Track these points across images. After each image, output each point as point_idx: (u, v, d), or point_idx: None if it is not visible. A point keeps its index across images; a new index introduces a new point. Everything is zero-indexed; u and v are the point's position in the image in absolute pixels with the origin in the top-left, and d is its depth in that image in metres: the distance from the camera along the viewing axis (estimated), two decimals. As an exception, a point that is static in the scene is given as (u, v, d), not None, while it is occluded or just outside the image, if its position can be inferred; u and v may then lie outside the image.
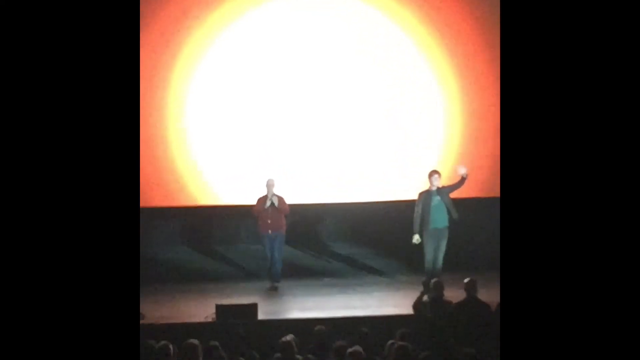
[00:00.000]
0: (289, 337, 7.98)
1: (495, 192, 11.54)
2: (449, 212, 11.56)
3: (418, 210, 11.60)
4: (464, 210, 11.84)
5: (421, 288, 11.03)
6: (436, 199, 11.57)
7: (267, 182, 12.38)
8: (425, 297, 9.58)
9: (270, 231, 12.35)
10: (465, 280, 9.33)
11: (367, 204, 13.45)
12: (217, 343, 8.06)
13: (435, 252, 11.54)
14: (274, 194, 12.36)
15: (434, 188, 11.63)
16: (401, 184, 13.29)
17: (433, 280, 9.65)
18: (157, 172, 13.09)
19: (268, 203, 12.28)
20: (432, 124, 13.50)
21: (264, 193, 12.37)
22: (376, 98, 13.46)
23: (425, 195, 11.64)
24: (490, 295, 9.27)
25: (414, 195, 11.84)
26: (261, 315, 10.27)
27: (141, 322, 10.12)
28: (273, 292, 12.20)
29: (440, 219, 11.55)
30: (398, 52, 13.44)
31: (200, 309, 10.79)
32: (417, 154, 13.41)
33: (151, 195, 13.04)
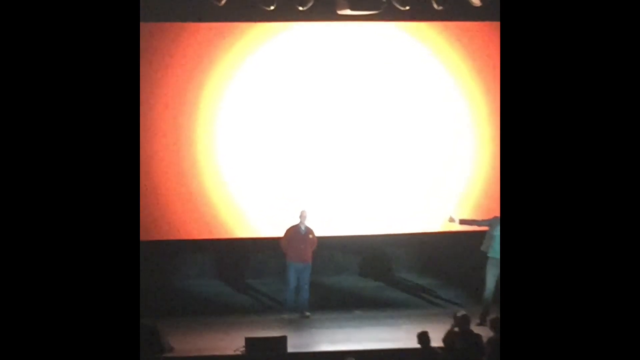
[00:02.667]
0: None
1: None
2: None
3: (484, 223, 11.87)
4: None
5: (451, 321, 10.98)
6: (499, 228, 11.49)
7: (301, 213, 12.45)
8: (455, 329, 9.52)
9: (299, 261, 12.39)
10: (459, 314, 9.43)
11: (432, 234, 13.54)
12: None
13: (496, 283, 11.54)
14: (306, 226, 12.40)
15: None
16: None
17: (460, 314, 9.61)
18: (188, 205, 13.14)
19: (302, 230, 12.34)
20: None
21: (294, 223, 12.45)
22: (425, 126, 13.49)
23: (494, 221, 11.71)
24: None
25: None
26: (290, 348, 10.25)
27: (170, 354, 10.20)
28: (302, 324, 12.19)
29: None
30: (431, 80, 13.47)
31: (229, 342, 10.79)
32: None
33: (182, 228, 13.11)
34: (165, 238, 13.11)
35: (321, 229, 12.87)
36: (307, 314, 12.45)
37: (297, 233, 12.46)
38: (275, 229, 12.93)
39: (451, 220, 12.41)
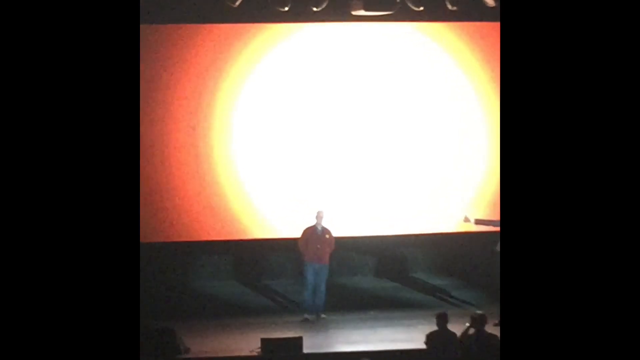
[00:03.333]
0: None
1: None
2: None
3: None
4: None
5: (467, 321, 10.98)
6: None
7: (318, 213, 12.44)
8: (471, 330, 9.51)
9: (316, 262, 12.40)
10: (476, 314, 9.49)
11: (448, 234, 13.55)
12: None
13: None
14: (323, 226, 12.41)
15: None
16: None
17: (476, 314, 9.60)
18: (204, 206, 13.15)
19: (319, 230, 12.35)
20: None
21: (311, 224, 12.46)
22: (437, 127, 13.50)
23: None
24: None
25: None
26: (306, 349, 10.25)
27: (186, 356, 10.22)
28: (318, 325, 12.18)
29: None
30: (445, 80, 13.48)
31: (245, 343, 10.80)
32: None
33: (199, 229, 13.13)
34: (181, 239, 13.14)
35: (337, 229, 12.85)
36: (323, 315, 12.45)
37: (314, 233, 12.46)
38: (291, 230, 12.96)
39: (466, 220, 12.42)
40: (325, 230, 12.49)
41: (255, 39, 13.17)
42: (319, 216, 12.49)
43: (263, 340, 10.26)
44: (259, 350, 10.27)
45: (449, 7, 12.52)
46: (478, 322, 9.46)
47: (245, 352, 10.42)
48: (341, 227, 13.08)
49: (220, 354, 10.47)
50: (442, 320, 9.53)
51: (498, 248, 11.85)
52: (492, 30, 13.38)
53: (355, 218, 13.32)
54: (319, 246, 12.43)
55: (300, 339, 10.27)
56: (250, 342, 10.63)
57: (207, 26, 13.09)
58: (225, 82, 13.14)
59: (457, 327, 9.56)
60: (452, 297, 13.44)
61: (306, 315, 12.43)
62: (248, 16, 12.85)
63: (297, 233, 12.63)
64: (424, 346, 9.58)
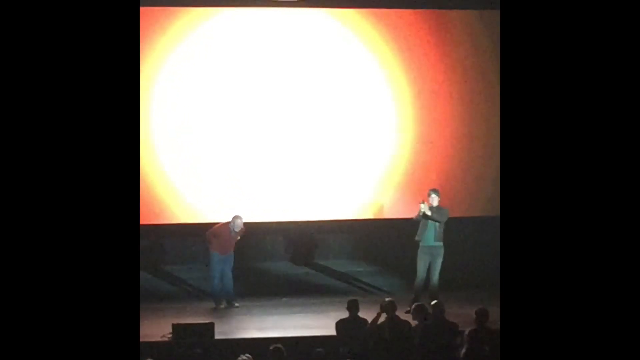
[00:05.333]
0: (246, 357, 7.94)
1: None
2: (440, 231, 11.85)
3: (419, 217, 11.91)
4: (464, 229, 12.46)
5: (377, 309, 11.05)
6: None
7: (235, 220, 12.41)
8: (382, 318, 9.56)
9: (222, 252, 12.40)
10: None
11: (365, 221, 13.58)
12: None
13: (431, 269, 11.82)
14: (236, 231, 12.42)
15: (433, 205, 11.90)
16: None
17: (386, 300, 9.67)
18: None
19: (234, 232, 12.37)
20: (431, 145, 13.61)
21: (226, 220, 12.47)
22: (367, 114, 13.54)
23: (424, 208, 11.85)
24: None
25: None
26: (218, 335, 10.19)
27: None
28: (230, 311, 12.15)
29: (431, 236, 11.83)
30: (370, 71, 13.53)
31: (155, 329, 10.69)
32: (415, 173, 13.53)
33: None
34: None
35: (251, 214, 12.84)
36: (237, 305, 12.43)
37: (226, 232, 12.45)
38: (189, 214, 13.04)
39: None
40: (239, 232, 12.48)
41: (171, 24, 13.02)
42: (236, 224, 12.41)
43: (174, 326, 10.16)
44: (170, 335, 10.16)
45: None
46: (389, 309, 9.51)
47: (156, 338, 10.30)
48: (255, 212, 13.05)
49: (131, 340, 10.31)
50: (353, 306, 9.57)
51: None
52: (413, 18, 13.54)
53: (269, 203, 13.27)
54: (227, 243, 12.48)
55: (212, 324, 10.19)
56: (162, 328, 10.52)
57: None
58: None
59: (369, 315, 9.61)
60: (365, 283, 13.51)
61: (216, 304, 12.40)
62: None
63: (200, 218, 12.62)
64: (334, 333, 9.62)
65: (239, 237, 12.53)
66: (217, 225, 12.54)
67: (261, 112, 13.28)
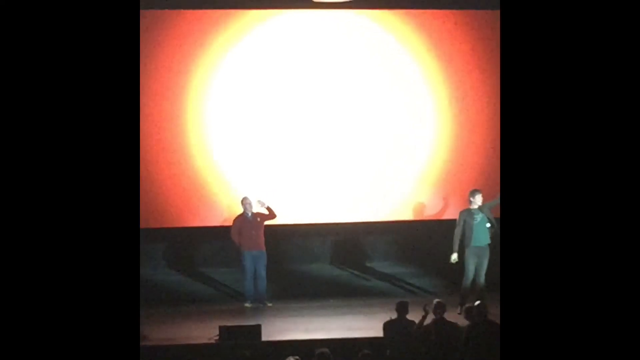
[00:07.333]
0: (293, 359, 7.95)
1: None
2: (491, 228, 11.78)
3: (459, 229, 11.82)
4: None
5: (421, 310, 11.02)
6: (478, 217, 11.73)
7: (242, 200, 12.48)
8: (429, 319, 9.52)
9: (253, 249, 12.43)
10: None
11: (410, 222, 13.56)
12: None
13: (478, 270, 11.74)
14: (252, 212, 12.45)
15: (475, 206, 11.77)
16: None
17: (435, 301, 9.62)
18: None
19: (249, 216, 12.39)
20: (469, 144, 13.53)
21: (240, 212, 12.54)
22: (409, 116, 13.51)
23: (467, 213, 11.81)
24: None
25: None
26: (265, 337, 10.22)
27: (143, 343, 10.12)
28: (277, 313, 12.16)
29: (482, 237, 11.71)
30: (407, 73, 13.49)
31: (203, 331, 10.74)
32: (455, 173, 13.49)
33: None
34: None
35: (296, 216, 12.87)
36: (269, 304, 12.47)
37: (245, 221, 12.47)
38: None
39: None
40: (254, 215, 12.48)
41: (227, 27, 13.12)
42: (243, 203, 12.47)
43: (221, 328, 10.21)
44: (217, 337, 10.21)
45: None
46: (437, 310, 9.47)
47: (203, 340, 10.35)
48: (300, 213, 13.08)
49: (180, 342, 10.39)
50: (402, 308, 9.53)
51: (453, 259, 11.90)
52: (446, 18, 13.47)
53: (311, 205, 13.26)
54: (253, 232, 12.47)
55: (259, 326, 10.22)
56: (209, 330, 10.56)
57: (182, 12, 13.06)
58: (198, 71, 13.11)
59: (416, 316, 9.58)
60: (410, 285, 13.47)
61: (247, 304, 12.46)
62: (218, 2, 12.92)
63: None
64: (381, 334, 9.60)
65: (265, 222, 12.48)
66: (234, 220, 12.55)
67: (302, 113, 13.32)
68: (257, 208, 12.58)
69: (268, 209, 12.60)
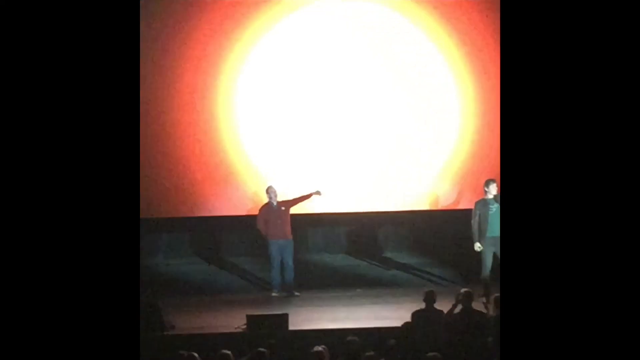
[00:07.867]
0: (320, 348, 7.93)
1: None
2: None
3: (476, 219, 11.76)
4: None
5: (452, 300, 10.99)
6: (494, 207, 11.63)
7: (267, 189, 12.52)
8: (458, 308, 9.49)
9: (281, 238, 12.43)
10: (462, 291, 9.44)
11: (423, 212, 13.51)
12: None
13: (495, 260, 11.67)
14: (277, 201, 12.48)
15: (491, 196, 11.68)
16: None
17: (462, 290, 9.58)
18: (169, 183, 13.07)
19: (274, 205, 12.43)
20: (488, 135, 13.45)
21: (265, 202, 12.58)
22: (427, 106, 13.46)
23: (482, 203, 11.74)
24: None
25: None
26: (292, 326, 10.22)
27: (172, 332, 10.17)
28: (304, 302, 12.17)
29: (498, 227, 11.48)
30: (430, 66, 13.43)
31: (230, 320, 10.75)
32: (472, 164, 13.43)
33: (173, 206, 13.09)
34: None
35: (329, 206, 12.97)
36: (297, 294, 12.48)
37: (270, 210, 12.48)
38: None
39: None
40: (279, 204, 12.49)
41: (257, 14, 13.15)
42: (268, 192, 12.50)
43: (248, 317, 10.22)
44: (245, 326, 10.22)
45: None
46: (466, 299, 9.43)
47: (230, 329, 10.36)
48: (332, 203, 13.12)
49: (207, 331, 10.41)
50: (430, 297, 9.51)
51: (477, 247, 11.84)
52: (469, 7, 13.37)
53: (329, 194, 13.18)
54: (279, 221, 12.46)
55: (286, 315, 10.23)
56: (235, 319, 10.57)
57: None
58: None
59: (442, 305, 9.56)
60: (432, 275, 13.42)
61: (274, 293, 12.48)
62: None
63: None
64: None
65: (289, 210, 12.49)
66: (259, 210, 12.57)
67: (325, 103, 13.30)
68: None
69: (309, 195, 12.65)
